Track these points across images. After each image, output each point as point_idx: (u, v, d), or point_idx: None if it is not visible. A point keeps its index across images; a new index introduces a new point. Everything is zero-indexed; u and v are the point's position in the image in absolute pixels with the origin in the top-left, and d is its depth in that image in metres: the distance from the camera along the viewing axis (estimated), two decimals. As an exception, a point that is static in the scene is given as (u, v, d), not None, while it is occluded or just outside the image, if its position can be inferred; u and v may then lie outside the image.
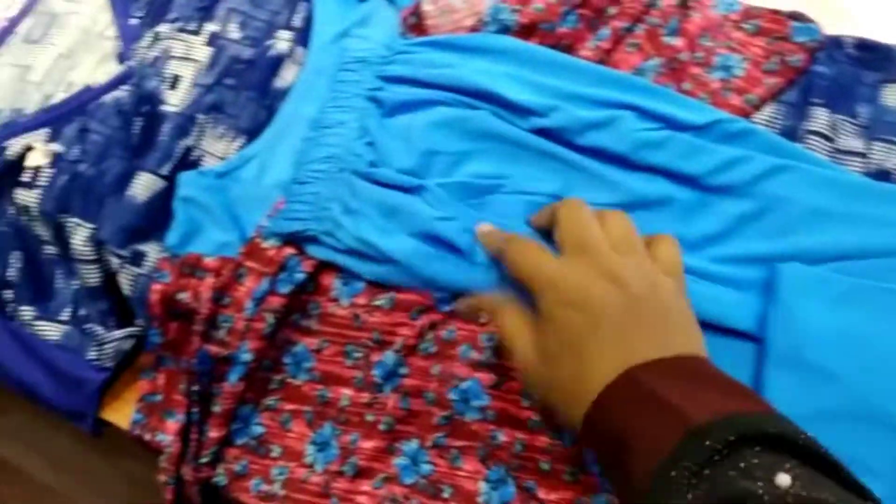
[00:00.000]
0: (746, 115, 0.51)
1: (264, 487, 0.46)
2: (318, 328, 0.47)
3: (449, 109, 0.49)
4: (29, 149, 0.52)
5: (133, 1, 0.58)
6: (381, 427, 0.45)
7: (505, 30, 0.53)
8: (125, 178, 0.50)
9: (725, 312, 0.44)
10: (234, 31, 0.55)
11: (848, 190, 0.46)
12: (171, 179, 0.50)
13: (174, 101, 0.53)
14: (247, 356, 0.46)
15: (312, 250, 0.47)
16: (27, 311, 0.50)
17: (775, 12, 0.54)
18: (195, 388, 0.46)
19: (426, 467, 0.45)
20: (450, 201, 0.46)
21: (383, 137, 0.48)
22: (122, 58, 0.56)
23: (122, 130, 0.52)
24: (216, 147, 0.52)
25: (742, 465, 0.28)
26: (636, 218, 0.42)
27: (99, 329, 0.49)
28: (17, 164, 0.52)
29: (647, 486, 0.29)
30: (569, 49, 0.53)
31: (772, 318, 0.43)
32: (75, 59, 0.56)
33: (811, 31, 0.53)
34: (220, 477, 0.47)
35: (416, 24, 0.55)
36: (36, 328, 0.50)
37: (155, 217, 0.50)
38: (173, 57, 0.54)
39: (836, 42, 0.53)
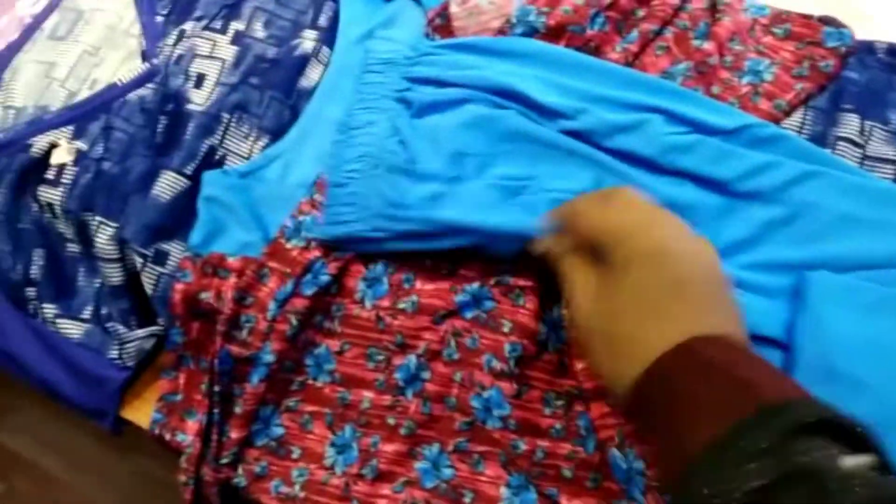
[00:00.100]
0: (776, 120, 0.50)
1: (284, 489, 0.46)
2: (340, 330, 0.47)
3: (477, 108, 0.48)
4: (53, 146, 0.52)
5: (158, -1, 0.58)
6: (403, 431, 0.45)
7: (533, 32, 0.53)
8: (149, 177, 0.50)
9: (754, 320, 0.43)
10: (259, 30, 0.55)
11: (878, 197, 0.45)
12: (194, 178, 0.50)
13: (199, 99, 0.53)
14: (269, 357, 0.45)
15: (363, 247, 0.47)
16: (49, 309, 0.50)
17: (806, 17, 0.53)
18: (217, 388, 0.46)
19: (447, 472, 0.45)
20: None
21: (413, 138, 0.48)
22: (146, 56, 0.56)
23: (147, 129, 0.52)
24: (240, 146, 0.52)
25: (808, 445, 0.28)
26: None
27: (121, 328, 0.49)
28: (42, 161, 0.52)
29: (703, 453, 0.29)
30: (596, 51, 0.53)
31: (800, 326, 0.42)
32: (100, 57, 0.56)
33: (843, 35, 0.52)
34: (240, 478, 0.46)
35: (442, 26, 0.55)
36: (58, 326, 0.50)
37: (178, 216, 0.50)
38: (198, 55, 0.54)
39: (867, 47, 0.52)
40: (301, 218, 0.49)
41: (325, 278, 0.47)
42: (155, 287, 0.49)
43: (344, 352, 0.47)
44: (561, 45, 0.52)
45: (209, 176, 0.50)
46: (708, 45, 0.53)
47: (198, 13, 0.56)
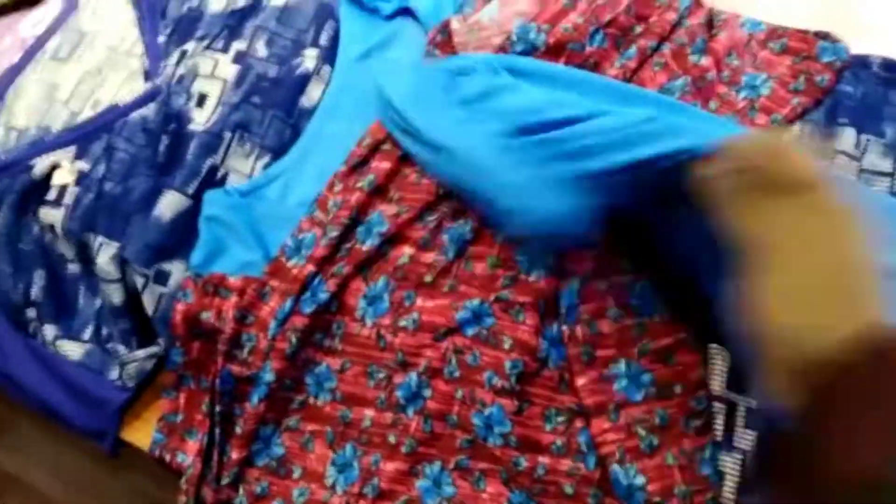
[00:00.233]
0: (774, 135, 0.51)
1: (285, 509, 0.46)
2: (341, 348, 0.47)
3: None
4: (55, 167, 0.52)
5: (161, 19, 0.59)
6: (404, 449, 0.45)
7: (533, 49, 0.53)
8: (151, 197, 0.50)
9: None
10: (260, 50, 0.56)
11: None
12: (196, 198, 0.51)
13: (200, 119, 0.53)
14: (269, 376, 0.45)
15: None
16: (49, 330, 0.51)
17: (802, 31, 0.54)
18: (218, 408, 0.46)
19: (449, 489, 0.45)
20: None
21: None
22: (148, 76, 0.56)
23: (149, 148, 0.52)
24: (242, 165, 0.52)
25: None
26: None
27: (121, 348, 0.49)
28: (44, 182, 0.52)
29: None
30: (595, 67, 0.53)
31: None
32: (102, 77, 0.57)
33: (838, 50, 0.52)
34: (241, 498, 0.46)
35: (444, 42, 0.55)
36: (58, 347, 0.50)
37: (180, 236, 0.50)
38: (200, 75, 0.55)
39: (862, 62, 0.53)
40: (302, 236, 0.49)
41: (323, 296, 0.47)
42: (156, 307, 0.49)
43: (345, 370, 0.47)
44: (561, 62, 0.53)
45: (211, 195, 0.50)
46: (705, 61, 0.53)
47: (200, 33, 0.57)
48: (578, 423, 0.44)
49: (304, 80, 0.54)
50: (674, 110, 0.49)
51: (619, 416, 0.43)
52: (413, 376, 0.45)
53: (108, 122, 0.54)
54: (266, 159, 0.52)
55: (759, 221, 0.35)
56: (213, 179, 0.52)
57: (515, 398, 0.44)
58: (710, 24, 0.55)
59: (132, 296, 0.50)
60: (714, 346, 0.45)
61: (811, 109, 0.51)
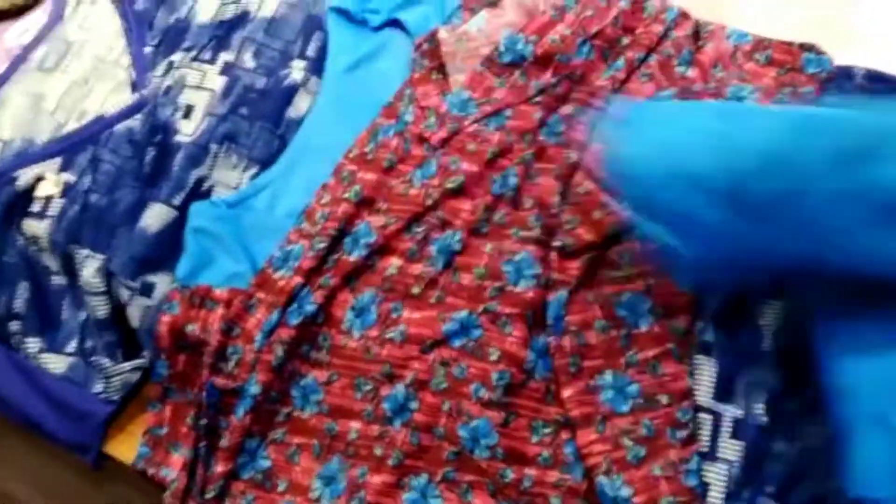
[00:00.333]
0: (759, 146, 0.51)
1: (271, 523, 0.45)
2: (328, 360, 0.47)
3: None
4: (40, 178, 0.52)
5: (148, 29, 0.59)
6: (391, 461, 0.45)
7: (521, 60, 0.54)
8: (137, 209, 0.50)
9: None
10: (248, 61, 0.56)
11: None
12: (182, 210, 0.50)
13: (187, 130, 0.53)
14: (255, 389, 0.45)
15: None
16: (33, 343, 0.50)
17: (786, 43, 0.54)
18: (202, 421, 0.46)
19: (436, 502, 0.44)
20: None
21: None
22: (135, 86, 0.56)
23: (135, 160, 0.52)
24: (229, 177, 0.52)
25: None
26: None
27: (106, 361, 0.48)
28: (28, 193, 0.52)
29: None
30: (582, 79, 0.54)
31: None
32: (89, 88, 0.57)
33: (822, 62, 0.53)
34: (226, 512, 0.46)
35: (431, 51, 0.55)
36: (41, 360, 0.50)
37: (166, 248, 0.50)
38: (187, 86, 0.54)
39: (846, 73, 0.53)
40: (289, 248, 0.49)
41: (310, 308, 0.46)
42: (141, 319, 0.49)
43: (331, 382, 0.47)
44: (548, 74, 0.53)
45: (197, 207, 0.50)
46: (692, 72, 0.53)
47: (187, 44, 0.56)
48: (565, 435, 0.44)
49: (292, 91, 0.54)
50: None
51: (606, 428, 0.43)
52: (400, 388, 0.45)
53: (95, 133, 0.53)
54: (253, 171, 0.52)
55: None
56: (200, 191, 0.51)
57: (502, 410, 0.44)
58: (697, 35, 0.56)
59: (117, 308, 0.49)
60: (700, 356, 0.45)
61: (796, 121, 0.52)
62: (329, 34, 0.57)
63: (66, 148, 0.53)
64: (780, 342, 0.45)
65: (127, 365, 0.49)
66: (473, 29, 0.55)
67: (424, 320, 0.47)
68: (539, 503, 0.43)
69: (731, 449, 0.43)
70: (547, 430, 0.44)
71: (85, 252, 0.50)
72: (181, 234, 0.49)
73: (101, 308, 0.49)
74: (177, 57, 0.56)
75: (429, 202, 0.49)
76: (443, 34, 0.55)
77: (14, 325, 0.51)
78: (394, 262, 0.48)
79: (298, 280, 0.47)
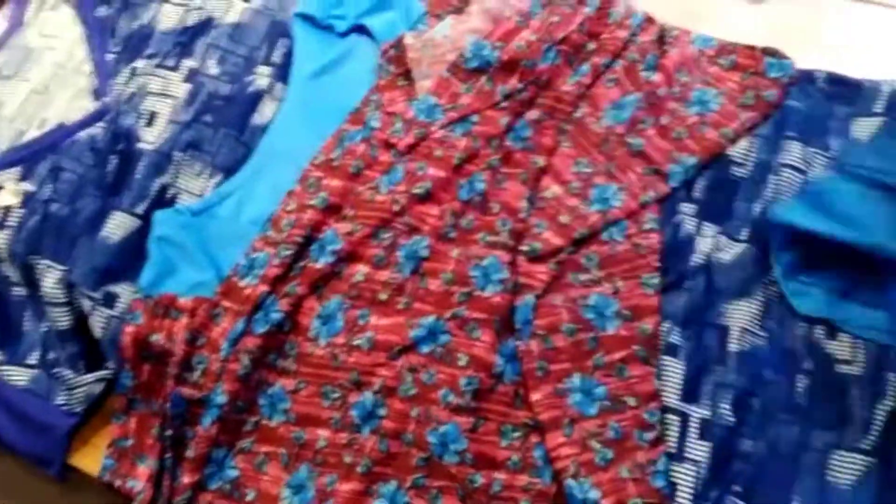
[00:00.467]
0: (722, 149, 0.52)
1: (239, 533, 0.45)
2: (295, 368, 0.47)
3: None
4: (-1, 188, 0.51)
5: (110, 36, 0.58)
6: (360, 469, 0.44)
7: (487, 65, 0.54)
8: (98, 218, 0.49)
9: None
10: (212, 67, 0.55)
11: None
12: (145, 218, 0.50)
13: (150, 138, 0.52)
14: (221, 398, 0.45)
15: None
16: (-7, 356, 0.49)
17: (750, 48, 0.55)
18: (168, 432, 0.45)
19: (406, 509, 0.44)
20: None
21: None
22: (97, 94, 0.55)
23: (97, 169, 0.51)
24: (193, 185, 0.52)
25: None
26: None
27: (68, 373, 0.48)
28: (-13, 203, 0.51)
29: None
30: (548, 85, 0.54)
31: None
32: (49, 95, 0.56)
33: (784, 66, 0.54)
34: (194, 523, 0.45)
35: (397, 57, 0.55)
36: (3, 373, 0.49)
37: (128, 257, 0.49)
38: (150, 93, 0.54)
39: (808, 77, 0.54)
40: (254, 256, 0.49)
41: (276, 316, 0.46)
42: (104, 330, 0.48)
43: (299, 390, 0.46)
44: (514, 79, 0.53)
45: (161, 215, 0.50)
46: (656, 77, 0.54)
47: (150, 50, 0.56)
48: (534, 439, 0.44)
49: (257, 97, 0.54)
50: None
51: (574, 431, 0.43)
52: (368, 395, 0.45)
53: (55, 141, 0.52)
54: (218, 178, 0.52)
55: None
56: (164, 199, 0.51)
57: (471, 415, 0.44)
58: (662, 40, 0.56)
59: (80, 319, 0.49)
60: (666, 358, 0.45)
61: (759, 124, 0.53)
62: (295, 40, 0.56)
63: (26, 157, 0.52)
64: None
65: (90, 376, 0.48)
66: (439, 35, 0.55)
67: (392, 327, 0.46)
68: (509, 508, 0.43)
69: (698, 449, 0.43)
70: (516, 434, 0.44)
71: (45, 263, 0.49)
72: (144, 243, 0.49)
73: (62, 319, 0.48)
74: (140, 64, 0.55)
75: (396, 208, 0.49)
76: (409, 40, 0.55)
77: (-26, 339, 0.50)
78: (361, 269, 0.48)
79: (264, 288, 0.47)
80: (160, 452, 0.45)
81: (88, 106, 0.54)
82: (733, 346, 0.45)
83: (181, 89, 0.54)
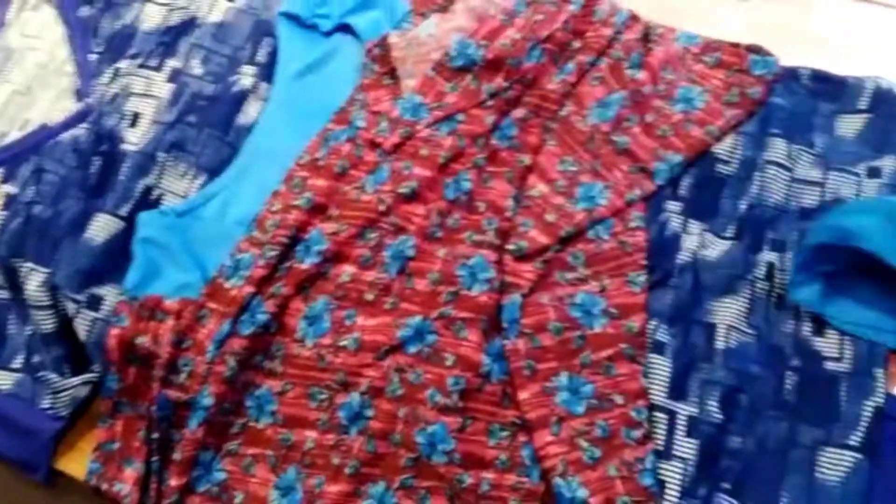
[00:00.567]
0: (708, 146, 0.52)
1: (228, 536, 0.45)
2: (282, 370, 0.46)
3: None
4: (-19, 191, 0.51)
5: (92, 36, 0.57)
6: (347, 470, 0.44)
7: (472, 64, 0.54)
8: (82, 220, 0.49)
9: None
10: (196, 67, 0.55)
11: None
12: (130, 220, 0.49)
13: (134, 139, 0.52)
14: (208, 401, 0.44)
15: None
16: (-23, 360, 0.49)
17: (734, 45, 0.55)
18: (154, 434, 0.45)
19: (394, 509, 0.44)
20: None
21: None
22: (80, 94, 0.55)
23: (80, 170, 0.51)
24: (177, 185, 0.51)
25: None
26: None
27: (53, 377, 0.47)
28: (-31, 206, 0.51)
29: None
30: (534, 83, 0.54)
31: None
32: (32, 96, 0.55)
33: (768, 63, 0.54)
34: (181, 526, 0.45)
35: (381, 56, 0.55)
36: (-14, 377, 0.48)
37: (113, 259, 0.48)
38: (133, 94, 0.53)
39: (792, 74, 0.54)
40: (240, 257, 0.48)
41: (262, 317, 0.46)
42: (89, 333, 0.47)
43: (285, 392, 0.46)
44: (499, 78, 0.53)
45: (145, 216, 0.49)
46: (641, 75, 0.54)
47: (133, 50, 0.55)
48: (522, 438, 0.44)
49: (241, 97, 0.53)
50: None
51: (562, 429, 0.43)
52: (355, 396, 0.45)
53: (38, 142, 0.52)
54: (203, 179, 0.51)
55: None
56: (148, 201, 0.50)
57: (458, 415, 0.44)
58: (647, 38, 0.56)
59: (64, 322, 0.48)
60: (653, 355, 0.45)
61: (744, 121, 0.53)
62: (279, 39, 0.56)
63: (8, 159, 0.52)
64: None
65: (75, 380, 0.47)
66: (424, 34, 0.55)
67: (379, 327, 0.46)
68: (497, 507, 0.43)
69: (686, 447, 0.43)
70: (504, 434, 0.44)
71: (29, 265, 0.48)
72: (129, 244, 0.48)
73: (47, 322, 0.48)
74: (123, 64, 0.55)
75: (382, 208, 0.49)
76: (393, 39, 0.55)
77: (-43, 343, 0.49)
78: (347, 269, 0.48)
79: (250, 289, 0.47)
80: (147, 455, 0.45)
81: (71, 107, 0.54)
82: (720, 344, 0.46)
83: (165, 89, 0.54)
